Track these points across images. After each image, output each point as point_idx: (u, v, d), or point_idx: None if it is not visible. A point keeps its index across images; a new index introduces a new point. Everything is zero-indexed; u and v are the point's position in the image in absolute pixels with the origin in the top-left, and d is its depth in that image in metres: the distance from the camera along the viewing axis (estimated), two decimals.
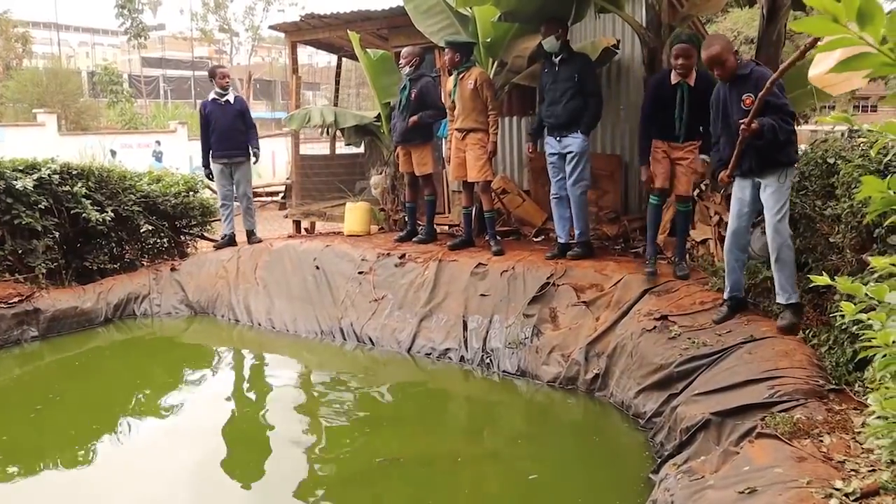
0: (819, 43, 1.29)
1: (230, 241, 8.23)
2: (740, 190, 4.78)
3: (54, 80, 24.00)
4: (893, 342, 1.80)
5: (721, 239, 6.05)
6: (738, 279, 4.94)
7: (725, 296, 4.98)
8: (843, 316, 2.60)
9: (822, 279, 2.00)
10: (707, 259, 5.92)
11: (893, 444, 1.89)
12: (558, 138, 6.35)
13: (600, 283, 5.89)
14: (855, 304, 1.99)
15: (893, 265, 1.77)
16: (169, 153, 18.37)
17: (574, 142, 6.28)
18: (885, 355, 1.88)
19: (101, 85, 26.56)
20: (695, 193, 6.71)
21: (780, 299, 4.56)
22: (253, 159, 8.23)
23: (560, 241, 6.51)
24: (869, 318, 1.85)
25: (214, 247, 8.34)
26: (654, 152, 5.77)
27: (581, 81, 6.23)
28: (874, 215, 1.74)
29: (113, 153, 16.53)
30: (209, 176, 8.16)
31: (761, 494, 2.89)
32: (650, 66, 6.35)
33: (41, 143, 10.26)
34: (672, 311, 5.26)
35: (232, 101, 8.02)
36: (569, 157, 6.32)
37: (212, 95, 8.04)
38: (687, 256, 5.97)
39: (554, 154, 6.42)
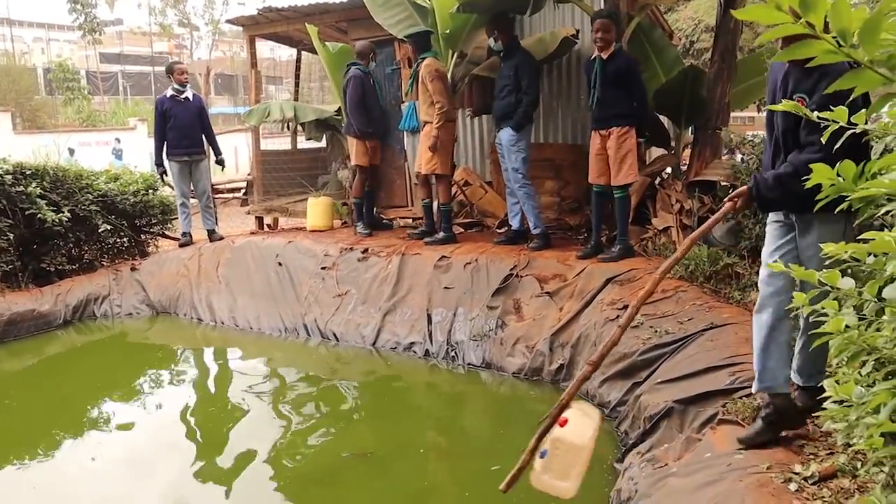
0: None
1: (190, 239, 8.13)
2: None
3: (7, 77, 23.39)
4: (846, 328, 1.80)
5: (682, 226, 6.11)
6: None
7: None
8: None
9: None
10: (669, 247, 5.96)
11: (849, 428, 1.91)
12: (497, 131, 6.57)
13: (563, 273, 5.90)
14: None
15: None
16: (129, 150, 18.04)
17: (503, 135, 6.47)
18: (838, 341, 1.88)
19: (57, 82, 25.92)
20: (656, 181, 6.78)
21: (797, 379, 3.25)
22: (217, 164, 8.15)
23: (513, 228, 6.73)
24: (822, 307, 1.83)
25: (179, 245, 8.20)
26: (592, 147, 5.99)
27: (517, 78, 6.33)
28: (823, 204, 1.73)
29: (71, 151, 16.20)
30: (163, 174, 8.02)
31: (722, 481, 2.91)
32: None
33: None
34: (634, 301, 5.28)
35: (191, 97, 7.90)
36: (499, 149, 6.56)
37: (170, 92, 7.90)
38: (627, 241, 6.05)
39: (498, 145, 6.62)
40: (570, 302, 5.66)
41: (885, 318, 1.79)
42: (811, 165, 1.99)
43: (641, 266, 5.72)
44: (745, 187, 2.97)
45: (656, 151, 7.72)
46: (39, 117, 23.02)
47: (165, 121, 7.80)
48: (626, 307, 5.17)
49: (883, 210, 1.52)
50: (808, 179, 2.32)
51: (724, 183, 5.96)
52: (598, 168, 5.97)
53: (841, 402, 1.94)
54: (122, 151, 17.89)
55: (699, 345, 4.43)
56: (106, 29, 34.09)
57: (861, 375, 1.98)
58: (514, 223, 6.73)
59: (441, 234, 6.92)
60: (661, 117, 6.88)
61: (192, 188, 8.09)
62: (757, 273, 5.03)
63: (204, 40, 48.61)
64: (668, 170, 6.83)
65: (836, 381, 1.97)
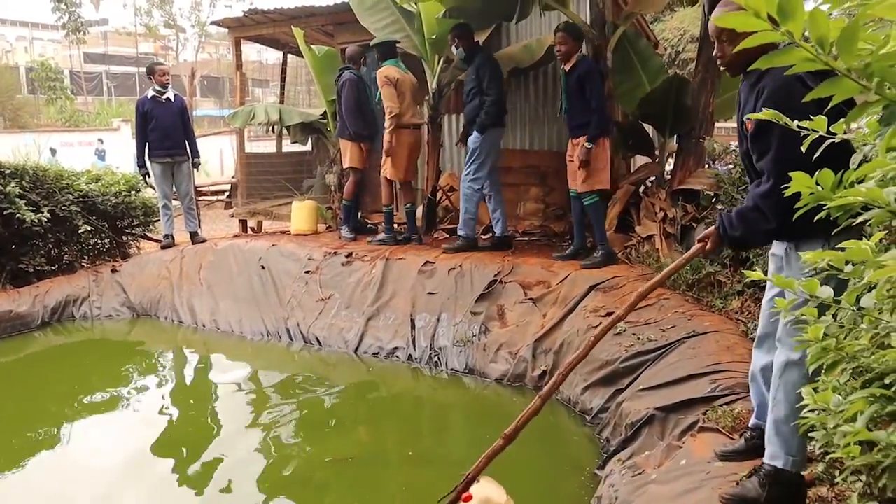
0: None
1: (173, 241, 8.08)
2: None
3: None
4: (824, 336, 1.80)
5: (666, 234, 6.13)
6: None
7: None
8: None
9: (756, 274, 1.98)
10: (653, 255, 5.98)
11: (826, 436, 1.91)
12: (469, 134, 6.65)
13: (547, 279, 5.91)
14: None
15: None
16: (112, 151, 17.91)
17: (470, 139, 6.54)
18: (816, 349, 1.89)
19: (39, 81, 25.67)
20: (640, 189, 6.81)
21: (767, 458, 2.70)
22: (195, 168, 8.09)
23: (496, 234, 6.81)
24: (802, 314, 1.83)
25: (161, 247, 8.14)
26: (568, 155, 6.13)
27: (478, 81, 6.41)
28: (803, 212, 1.73)
29: (53, 151, 16.03)
30: (146, 176, 7.96)
31: (701, 488, 2.92)
32: (595, 62, 6.38)
33: None
34: (618, 307, 5.25)
35: (172, 98, 7.85)
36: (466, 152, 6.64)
37: (150, 93, 7.84)
38: (608, 246, 6.08)
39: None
40: (554, 308, 5.66)
41: (862, 326, 1.79)
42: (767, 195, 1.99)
43: (625, 273, 5.73)
44: (713, 227, 2.74)
45: (641, 160, 7.75)
46: (21, 116, 22.79)
47: (147, 122, 7.74)
48: (609, 314, 5.21)
49: (860, 219, 1.52)
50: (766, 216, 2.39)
51: (708, 192, 5.99)
52: (572, 174, 6.07)
53: (817, 410, 1.95)
54: (104, 152, 17.74)
55: (681, 352, 4.44)
56: (91, 29, 33.79)
57: (839, 384, 1.98)
58: (498, 229, 6.75)
59: (381, 235, 7.19)
60: (645, 126, 6.90)
61: (174, 190, 8.01)
62: (738, 282, 5.10)
63: (190, 42, 48.39)
64: (652, 178, 6.85)
65: (815, 390, 1.97)
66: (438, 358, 5.87)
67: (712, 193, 5.94)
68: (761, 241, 2.90)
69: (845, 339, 1.82)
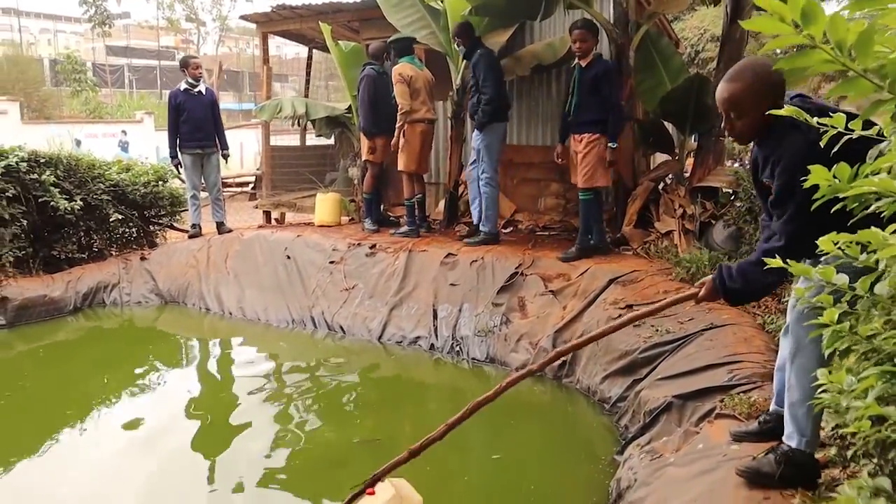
0: None
1: (200, 230, 8.27)
2: None
3: (16, 68, 23.52)
4: (839, 320, 1.88)
5: (684, 231, 6.25)
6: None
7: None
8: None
9: (776, 262, 2.05)
10: (671, 251, 6.10)
11: (839, 416, 2.02)
12: (472, 130, 6.86)
13: (567, 272, 6.04)
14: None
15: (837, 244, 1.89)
16: (135, 143, 18.15)
17: (474, 135, 6.76)
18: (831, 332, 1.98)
19: (65, 73, 26.01)
20: (660, 186, 6.93)
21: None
22: (223, 159, 8.28)
23: (475, 223, 7.05)
24: (817, 301, 1.92)
25: (188, 236, 8.34)
26: (570, 151, 6.31)
27: (476, 78, 6.60)
28: (820, 204, 1.81)
29: (78, 143, 16.28)
30: (178, 166, 8.15)
31: (718, 469, 3.03)
32: (617, 61, 6.51)
33: (3, 132, 10.11)
34: (637, 301, 5.40)
35: (203, 91, 8.04)
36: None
37: (183, 86, 8.03)
38: (587, 241, 6.29)
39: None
40: (574, 301, 5.78)
41: (875, 312, 1.87)
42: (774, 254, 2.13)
43: (644, 268, 5.86)
44: (709, 277, 2.75)
45: (660, 157, 7.86)
46: (46, 108, 23.13)
47: (179, 114, 7.93)
48: (628, 307, 5.35)
49: (872, 207, 1.63)
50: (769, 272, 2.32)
51: (727, 189, 6.10)
52: (575, 170, 6.24)
53: (832, 391, 2.05)
54: (128, 144, 17.99)
55: (699, 344, 4.54)
56: (114, 22, 34.15)
57: (853, 366, 2.08)
58: (475, 218, 7.05)
59: (404, 228, 7.36)
60: (666, 124, 7.02)
61: (202, 181, 8.20)
62: None
63: (210, 36, 48.76)
64: (672, 175, 6.97)
65: (829, 371, 2.07)
66: (460, 347, 6.01)
67: (731, 191, 6.05)
68: (759, 296, 2.98)
69: (858, 323, 1.89)
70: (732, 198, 6.07)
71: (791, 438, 2.71)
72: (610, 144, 5.97)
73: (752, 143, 2.78)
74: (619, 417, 4.63)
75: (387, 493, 2.96)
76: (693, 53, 16.70)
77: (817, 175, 1.75)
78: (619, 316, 5.38)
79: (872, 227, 1.66)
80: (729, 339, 4.42)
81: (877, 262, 1.78)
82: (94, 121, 21.87)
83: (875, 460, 2.16)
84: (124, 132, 18.97)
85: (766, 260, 2.02)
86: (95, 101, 25.31)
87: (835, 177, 1.74)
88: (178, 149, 8.02)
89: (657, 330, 4.92)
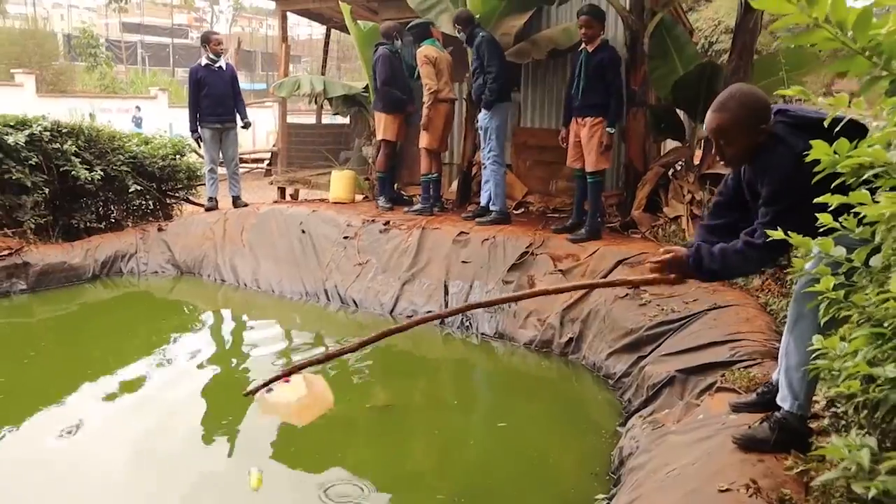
0: None
1: (216, 204, 8.45)
2: None
3: (32, 41, 23.69)
4: (834, 288, 1.99)
5: (692, 216, 6.38)
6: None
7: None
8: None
9: (777, 234, 2.16)
10: (679, 235, 6.23)
11: (832, 381, 2.15)
12: (477, 112, 7.04)
13: (576, 253, 6.18)
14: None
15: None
16: (149, 119, 18.27)
17: (481, 115, 6.95)
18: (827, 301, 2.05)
19: (80, 48, 26.18)
20: (670, 172, 7.06)
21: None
22: (241, 126, 8.42)
23: (482, 204, 7.20)
24: (816, 273, 2.04)
25: (205, 209, 8.52)
26: (572, 135, 6.44)
27: (479, 61, 6.79)
28: (822, 177, 1.91)
29: (92, 117, 16.40)
30: (198, 140, 8.31)
31: (716, 436, 3.13)
32: (632, 48, 6.63)
33: (19, 104, 10.25)
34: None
35: (224, 67, 8.17)
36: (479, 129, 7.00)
37: (203, 61, 8.15)
38: (596, 223, 6.42)
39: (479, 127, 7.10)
40: (582, 280, 5.92)
41: (867, 283, 1.99)
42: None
43: (652, 250, 5.95)
44: (678, 253, 2.86)
45: (671, 144, 7.98)
46: (61, 82, 23.28)
47: (199, 89, 8.07)
48: (635, 287, 5.48)
49: (866, 175, 1.73)
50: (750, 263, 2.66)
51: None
52: (574, 153, 6.43)
53: (826, 357, 2.16)
54: (141, 120, 18.13)
55: (702, 323, 4.66)
56: None
57: (847, 333, 2.13)
58: (483, 200, 7.20)
59: (418, 206, 7.54)
60: (677, 111, 7.13)
61: (220, 155, 8.36)
62: None
63: (224, 15, 48.76)
64: (682, 162, 7.09)
65: (823, 337, 2.18)
66: (470, 322, 6.17)
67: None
68: (734, 277, 3.13)
69: (854, 293, 2.00)
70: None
71: (785, 401, 2.83)
72: (608, 129, 6.14)
73: None
74: (622, 392, 4.76)
75: (300, 386, 3.10)
76: (707, 45, 16.74)
77: (818, 150, 1.87)
78: (626, 296, 5.57)
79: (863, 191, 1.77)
80: (731, 319, 4.53)
81: (872, 234, 1.88)
82: (108, 96, 22.03)
83: (862, 418, 2.23)
84: (138, 108, 19.11)
85: (769, 232, 2.19)
86: (110, 77, 25.46)
87: (835, 153, 1.86)
88: (198, 123, 8.16)
89: (662, 309, 5.04)
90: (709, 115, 2.74)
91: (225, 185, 8.57)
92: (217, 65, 8.10)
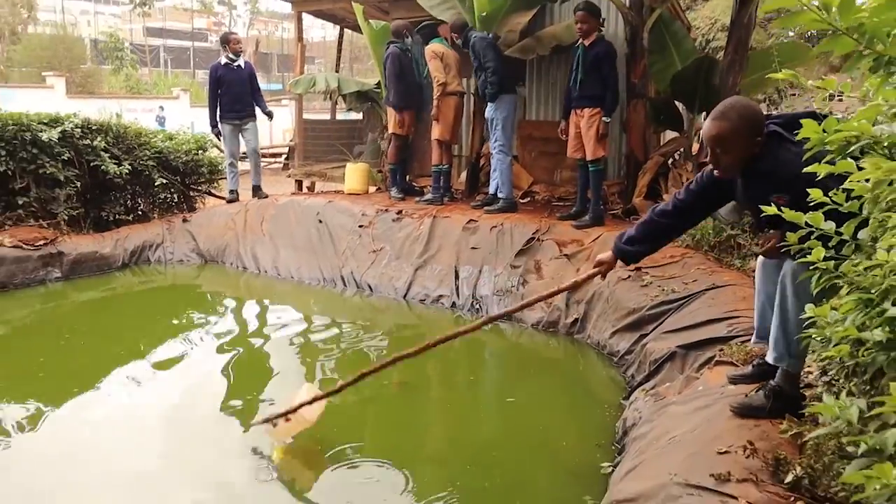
0: None
1: (237, 196, 8.82)
2: None
3: (62, 45, 24.39)
4: (824, 259, 2.05)
5: None
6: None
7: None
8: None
9: (771, 209, 2.23)
10: None
11: (822, 349, 2.22)
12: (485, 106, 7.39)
13: (581, 238, 6.45)
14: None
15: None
16: (171, 118, 18.71)
17: (488, 108, 7.30)
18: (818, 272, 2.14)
19: (107, 52, 26.85)
20: (669, 161, 7.32)
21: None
22: (267, 119, 8.78)
23: (490, 193, 7.50)
24: (808, 246, 2.09)
25: (227, 202, 8.88)
26: (571, 127, 6.77)
27: (476, 58, 7.18)
28: (812, 154, 2.01)
29: (118, 116, 16.82)
30: (218, 135, 8.65)
31: (715, 405, 3.30)
32: (632, 43, 6.90)
33: (50, 105, 10.63)
34: (645, 264, 5.73)
35: (242, 65, 8.51)
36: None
37: (223, 60, 8.49)
38: (599, 210, 6.75)
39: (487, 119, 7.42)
40: (587, 264, 6.16)
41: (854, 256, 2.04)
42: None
43: None
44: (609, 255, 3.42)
45: (670, 134, 8.24)
46: (89, 84, 23.89)
47: (219, 87, 8.42)
48: (637, 269, 5.74)
49: (853, 148, 1.83)
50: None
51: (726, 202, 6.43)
52: (574, 144, 6.77)
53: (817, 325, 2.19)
54: (164, 119, 18.59)
55: (701, 302, 4.87)
56: (154, 3, 34.92)
57: (837, 303, 2.18)
58: (492, 189, 7.52)
59: (429, 196, 7.83)
60: (675, 103, 7.40)
61: (241, 149, 8.70)
62: (757, 245, 5.56)
63: (241, 19, 49.39)
64: (680, 151, 7.35)
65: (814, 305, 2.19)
66: (480, 305, 6.47)
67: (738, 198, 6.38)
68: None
69: (843, 265, 2.04)
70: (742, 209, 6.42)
71: (780, 360, 2.93)
72: (604, 118, 6.48)
73: None
74: (626, 368, 5.00)
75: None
76: (704, 42, 16.92)
77: (808, 128, 1.96)
78: (629, 277, 5.82)
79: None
80: (729, 298, 4.75)
81: (860, 207, 1.97)
82: (133, 97, 22.55)
83: (852, 385, 2.32)
84: (161, 108, 19.58)
85: (764, 208, 2.30)
86: (135, 79, 26.08)
87: (824, 130, 1.93)
88: (218, 119, 8.50)
89: (663, 290, 5.27)
90: (708, 123, 2.86)
91: (246, 179, 8.91)
92: (235, 63, 8.43)
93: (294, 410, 3.42)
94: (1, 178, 7.20)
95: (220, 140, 8.71)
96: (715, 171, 2.97)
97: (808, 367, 3.14)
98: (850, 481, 1.74)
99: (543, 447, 4.04)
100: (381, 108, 9.05)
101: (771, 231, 3.01)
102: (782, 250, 2.42)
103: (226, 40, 8.59)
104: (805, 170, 2.02)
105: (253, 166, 8.78)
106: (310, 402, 3.43)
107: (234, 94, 8.40)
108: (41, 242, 7.19)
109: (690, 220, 3.48)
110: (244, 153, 8.97)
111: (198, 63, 34.33)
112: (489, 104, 7.23)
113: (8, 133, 7.15)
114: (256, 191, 8.75)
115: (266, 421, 3.51)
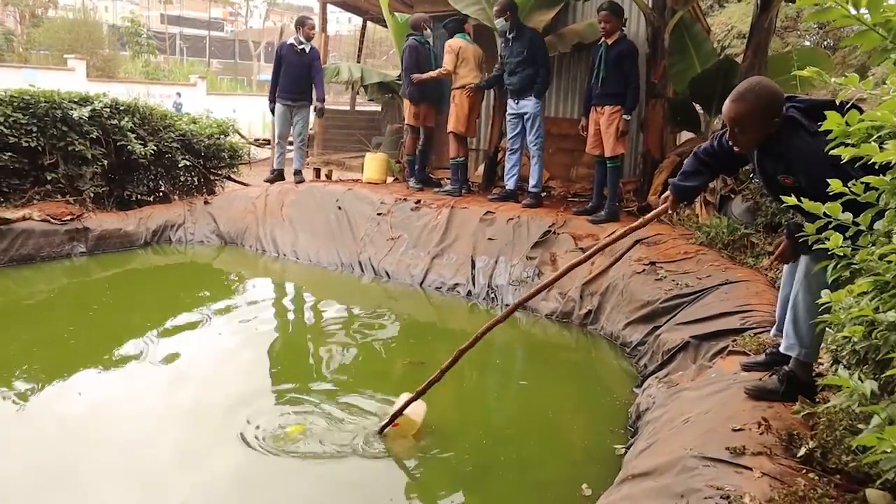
0: None
1: (279, 175, 9.00)
2: None
3: (84, 29, 24.64)
4: (840, 246, 2.09)
5: (705, 202, 6.76)
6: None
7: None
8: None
9: (790, 199, 2.24)
10: (693, 219, 6.60)
11: (836, 333, 2.25)
12: (516, 101, 7.36)
13: (595, 232, 6.58)
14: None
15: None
16: (188, 105, 18.87)
17: (528, 104, 7.30)
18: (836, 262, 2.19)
19: (127, 37, 27.13)
20: (685, 161, 7.42)
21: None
22: (315, 107, 8.82)
23: (508, 188, 7.61)
24: (825, 236, 2.15)
25: (265, 180, 9.05)
26: (591, 124, 6.88)
27: (531, 53, 7.18)
28: (835, 144, 2.02)
29: (146, 98, 17.03)
30: (273, 111, 8.75)
31: (728, 389, 3.40)
32: (653, 44, 7.02)
33: (72, 86, 10.82)
34: (660, 259, 5.89)
35: (307, 50, 8.55)
36: (525, 117, 7.35)
37: (290, 41, 8.56)
38: (615, 206, 6.92)
39: (511, 114, 7.45)
40: (601, 258, 6.28)
41: (872, 241, 2.08)
42: None
43: (666, 232, 6.37)
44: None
45: (686, 135, 8.36)
46: (108, 68, 24.12)
47: (280, 66, 8.53)
48: (651, 263, 5.87)
49: (874, 136, 1.89)
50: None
51: (746, 167, 6.57)
52: (593, 141, 6.90)
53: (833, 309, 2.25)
54: (181, 105, 18.73)
55: (715, 296, 4.97)
56: None
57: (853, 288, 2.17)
58: (512, 184, 7.62)
59: (448, 187, 7.95)
60: (693, 104, 7.52)
61: (290, 131, 8.80)
62: (769, 244, 5.69)
63: (258, 10, 49.55)
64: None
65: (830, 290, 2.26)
66: (495, 294, 6.61)
67: (750, 168, 6.51)
68: None
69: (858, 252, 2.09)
70: (752, 175, 6.54)
71: (792, 349, 3.01)
72: (625, 116, 6.63)
73: None
74: (638, 359, 5.11)
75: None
76: (720, 49, 17.00)
77: (831, 120, 2.00)
78: (643, 271, 5.94)
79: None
80: (742, 293, 4.85)
81: (877, 198, 2.01)
82: (151, 82, 22.78)
83: (862, 372, 2.30)
84: (178, 94, 19.75)
85: (784, 198, 2.33)
86: (153, 65, 26.34)
87: (847, 124, 2.00)
88: (275, 95, 8.63)
89: (677, 284, 5.38)
90: (727, 103, 2.95)
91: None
92: (300, 47, 8.47)
93: (400, 412, 3.78)
94: (31, 153, 7.35)
95: (272, 112, 8.78)
96: (735, 147, 3.08)
97: (820, 359, 3.22)
98: (864, 444, 1.80)
99: (556, 428, 4.17)
100: (401, 100, 9.18)
101: (783, 236, 3.12)
102: (800, 240, 2.47)
103: (301, 23, 8.64)
104: (828, 150, 2.07)
105: (297, 150, 8.88)
106: (409, 403, 3.81)
107: (292, 76, 8.47)
108: (68, 217, 7.35)
109: (727, 166, 3.66)
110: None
111: (213, 52, 34.55)
112: (534, 99, 7.27)
113: (40, 110, 7.30)
114: (297, 174, 8.83)
115: (381, 431, 3.84)
